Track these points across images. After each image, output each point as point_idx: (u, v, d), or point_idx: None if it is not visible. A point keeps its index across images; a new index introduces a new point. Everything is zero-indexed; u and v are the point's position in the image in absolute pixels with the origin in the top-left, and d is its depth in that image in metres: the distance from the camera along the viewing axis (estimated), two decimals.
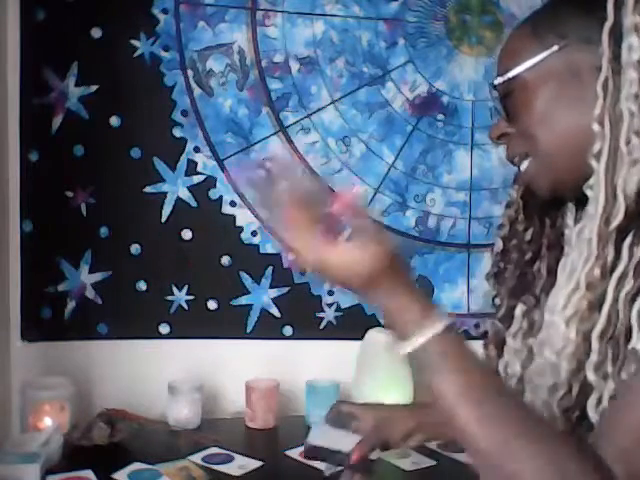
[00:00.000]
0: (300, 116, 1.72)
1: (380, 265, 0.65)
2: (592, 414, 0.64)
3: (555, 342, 0.69)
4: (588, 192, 0.69)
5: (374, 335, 1.68)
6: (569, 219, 0.80)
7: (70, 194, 1.64)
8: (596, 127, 0.67)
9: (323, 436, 0.98)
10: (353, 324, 1.73)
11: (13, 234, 1.61)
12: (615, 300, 0.64)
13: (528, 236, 0.83)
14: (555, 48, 0.71)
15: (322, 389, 1.64)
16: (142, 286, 1.68)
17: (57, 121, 1.62)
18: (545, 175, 0.75)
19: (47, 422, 1.47)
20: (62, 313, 1.65)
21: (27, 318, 1.62)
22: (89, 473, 1.31)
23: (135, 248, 1.67)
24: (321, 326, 1.75)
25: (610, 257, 0.65)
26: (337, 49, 1.72)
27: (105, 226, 1.66)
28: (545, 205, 0.81)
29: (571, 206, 0.80)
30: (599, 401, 0.64)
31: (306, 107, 1.72)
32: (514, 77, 0.74)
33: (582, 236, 0.69)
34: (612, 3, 0.67)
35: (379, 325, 1.76)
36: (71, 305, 1.65)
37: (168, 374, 1.63)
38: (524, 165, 0.77)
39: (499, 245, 0.86)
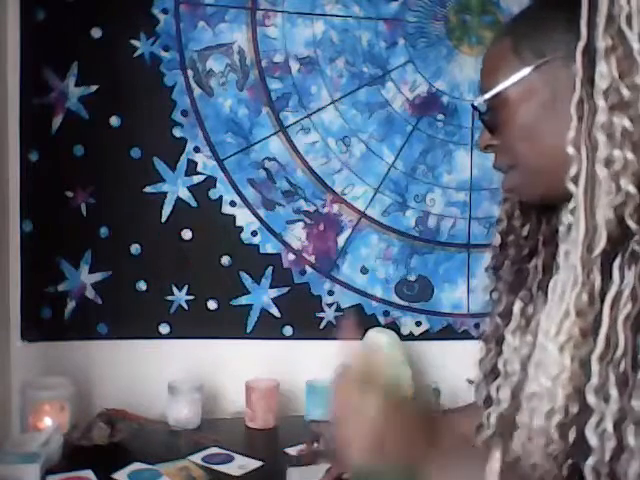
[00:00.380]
0: (300, 116, 1.72)
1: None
2: (590, 436, 0.63)
3: (550, 368, 0.68)
4: (568, 216, 0.69)
5: (374, 335, 1.68)
6: (563, 216, 0.79)
7: (70, 194, 1.64)
8: (571, 150, 0.66)
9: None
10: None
11: (13, 234, 1.61)
12: (613, 323, 0.63)
13: (525, 232, 0.84)
14: (534, 66, 0.71)
15: (322, 389, 1.64)
16: (142, 286, 1.68)
17: (57, 121, 1.62)
18: (529, 187, 0.76)
19: (47, 422, 1.47)
20: (62, 313, 1.65)
21: (27, 318, 1.62)
22: (89, 473, 1.31)
23: (135, 248, 1.67)
24: (321, 326, 1.75)
25: (597, 282, 0.65)
26: (337, 49, 1.72)
27: (105, 226, 1.66)
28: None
29: (566, 203, 0.80)
30: (599, 424, 0.63)
31: (306, 107, 1.72)
32: (498, 92, 0.74)
33: (568, 260, 0.68)
34: (585, 22, 0.65)
35: (379, 325, 1.76)
36: (71, 305, 1.65)
37: (168, 374, 1.63)
38: (509, 176, 0.78)
39: (497, 239, 0.86)
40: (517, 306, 0.82)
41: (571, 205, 0.67)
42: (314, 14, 1.71)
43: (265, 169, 1.72)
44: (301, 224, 1.74)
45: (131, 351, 1.68)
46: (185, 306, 1.70)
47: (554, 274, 0.75)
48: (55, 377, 1.55)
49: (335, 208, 1.75)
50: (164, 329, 1.69)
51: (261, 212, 1.72)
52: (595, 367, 0.64)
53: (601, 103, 0.64)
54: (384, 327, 1.75)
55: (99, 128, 1.63)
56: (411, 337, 1.78)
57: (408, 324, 1.79)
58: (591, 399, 0.64)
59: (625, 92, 0.63)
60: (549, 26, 0.71)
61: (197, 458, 1.41)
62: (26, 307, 1.62)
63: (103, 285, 1.66)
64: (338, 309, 1.76)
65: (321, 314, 1.75)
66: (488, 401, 0.84)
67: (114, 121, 1.64)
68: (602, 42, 0.64)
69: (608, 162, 0.63)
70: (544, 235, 0.82)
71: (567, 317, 0.66)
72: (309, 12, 1.71)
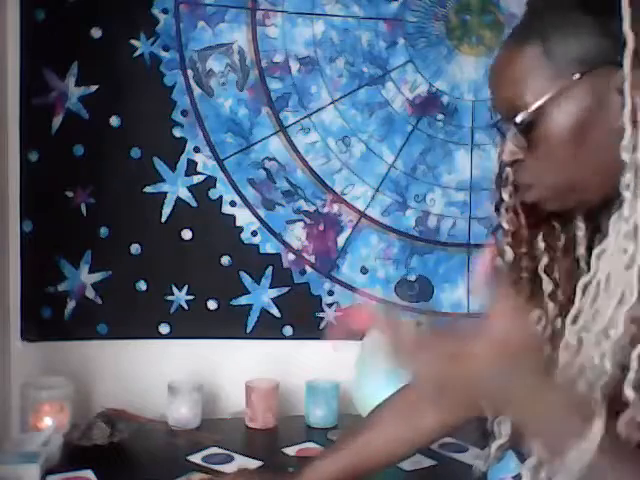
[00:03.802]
0: (300, 116, 1.72)
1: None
2: (621, 430, 0.62)
3: (587, 374, 0.67)
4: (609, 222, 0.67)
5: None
6: (580, 222, 0.77)
7: (70, 194, 1.64)
8: (627, 157, 0.64)
9: None
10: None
11: (13, 234, 1.61)
12: None
13: (540, 242, 0.79)
14: (576, 75, 0.67)
15: (322, 389, 1.64)
16: (142, 286, 1.68)
17: (57, 121, 1.62)
18: (559, 201, 0.73)
19: (47, 422, 1.47)
20: (62, 313, 1.65)
21: (27, 318, 1.62)
22: (89, 473, 1.31)
23: (135, 248, 1.67)
24: (321, 326, 1.75)
25: None
26: (337, 49, 1.72)
27: (105, 226, 1.66)
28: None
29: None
30: (634, 418, 0.62)
31: (306, 107, 1.72)
32: (531, 106, 0.69)
33: (613, 271, 0.66)
34: (628, 24, 0.63)
35: None
36: (71, 305, 1.65)
37: (168, 374, 1.63)
38: (533, 190, 0.74)
39: (509, 254, 0.80)
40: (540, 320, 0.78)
41: (626, 212, 0.65)
42: (314, 14, 1.71)
43: (265, 169, 1.72)
44: (301, 224, 1.74)
45: (131, 351, 1.68)
46: (185, 306, 1.70)
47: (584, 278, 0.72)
48: (55, 377, 1.55)
49: (335, 208, 1.75)
50: (164, 329, 1.69)
51: (261, 212, 1.72)
52: (635, 363, 0.63)
53: None
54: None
55: (99, 128, 1.63)
56: None
57: None
58: (629, 393, 0.63)
59: None
60: (584, 31, 0.67)
61: (197, 458, 1.41)
62: (26, 307, 1.62)
63: (103, 285, 1.66)
64: (338, 309, 1.76)
65: (321, 314, 1.75)
66: None
67: (114, 121, 1.64)
68: None
69: None
70: (563, 243, 0.79)
71: (612, 329, 0.65)
72: (309, 12, 1.71)
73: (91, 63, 1.62)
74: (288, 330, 1.74)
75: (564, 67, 0.68)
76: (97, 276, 1.66)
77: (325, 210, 1.74)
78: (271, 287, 1.73)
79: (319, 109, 1.73)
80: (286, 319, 1.74)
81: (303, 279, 1.74)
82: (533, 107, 0.69)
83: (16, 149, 1.60)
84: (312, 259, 1.74)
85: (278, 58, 1.71)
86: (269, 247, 1.73)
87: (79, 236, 1.65)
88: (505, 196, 0.80)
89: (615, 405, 0.64)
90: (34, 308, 1.63)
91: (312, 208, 1.74)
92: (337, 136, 1.74)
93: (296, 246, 1.74)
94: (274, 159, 1.72)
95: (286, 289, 1.74)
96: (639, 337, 0.64)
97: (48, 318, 1.64)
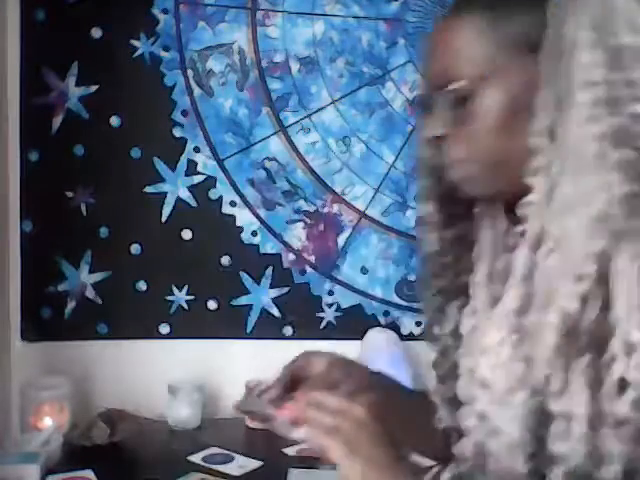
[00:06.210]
0: (300, 116, 1.72)
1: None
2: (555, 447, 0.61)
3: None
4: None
5: (374, 335, 1.68)
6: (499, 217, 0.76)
7: (70, 194, 1.64)
8: (538, 142, 0.63)
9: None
10: (353, 324, 1.73)
11: (13, 234, 1.61)
12: None
13: (465, 234, 0.78)
14: (514, 52, 0.66)
15: None
16: (142, 286, 1.68)
17: (57, 121, 1.62)
18: (488, 180, 0.70)
19: (47, 422, 1.47)
20: (62, 313, 1.65)
21: (27, 318, 1.62)
22: (89, 473, 1.31)
23: (135, 248, 1.67)
24: (321, 326, 1.75)
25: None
26: (337, 49, 1.72)
27: (105, 226, 1.66)
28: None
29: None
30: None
31: (306, 107, 1.72)
32: (469, 80, 0.67)
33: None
34: (552, 9, 0.63)
35: (379, 325, 1.76)
36: (71, 305, 1.65)
37: (168, 374, 1.63)
38: (463, 167, 0.71)
39: (433, 244, 0.78)
40: (466, 323, 0.77)
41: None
42: (314, 14, 1.71)
43: (265, 169, 1.72)
44: (301, 224, 1.74)
45: (131, 351, 1.68)
46: (185, 306, 1.70)
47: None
48: (55, 377, 1.55)
49: (335, 208, 1.75)
50: (164, 329, 1.69)
51: (261, 212, 1.72)
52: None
53: (580, 97, 0.61)
54: (384, 327, 1.75)
55: (99, 128, 1.63)
56: (411, 337, 1.78)
57: (408, 324, 1.79)
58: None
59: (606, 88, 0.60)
60: (530, 10, 0.65)
61: (197, 458, 1.41)
62: (26, 307, 1.62)
63: (103, 285, 1.66)
64: (338, 309, 1.75)
65: (321, 314, 1.75)
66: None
67: (114, 121, 1.64)
68: (584, 32, 0.61)
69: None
70: (492, 238, 0.76)
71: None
72: (309, 12, 1.71)
73: (91, 63, 1.63)
74: (288, 330, 1.74)
75: (506, 43, 0.66)
76: (97, 276, 1.66)
77: (325, 210, 1.74)
78: (271, 287, 1.73)
79: (319, 109, 1.73)
80: (286, 319, 1.74)
81: (303, 279, 1.74)
82: (470, 78, 0.67)
83: (16, 149, 1.60)
84: (312, 259, 1.74)
85: (278, 58, 1.71)
86: (269, 247, 1.73)
87: (79, 236, 1.65)
88: (428, 182, 0.78)
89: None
90: (34, 308, 1.63)
91: (312, 208, 1.74)
92: (337, 136, 1.74)
93: (296, 246, 1.74)
94: (274, 159, 1.72)
95: (286, 289, 1.74)
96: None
97: (48, 318, 1.64)
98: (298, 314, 1.74)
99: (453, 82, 0.68)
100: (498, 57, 0.67)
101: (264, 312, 1.73)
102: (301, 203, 1.73)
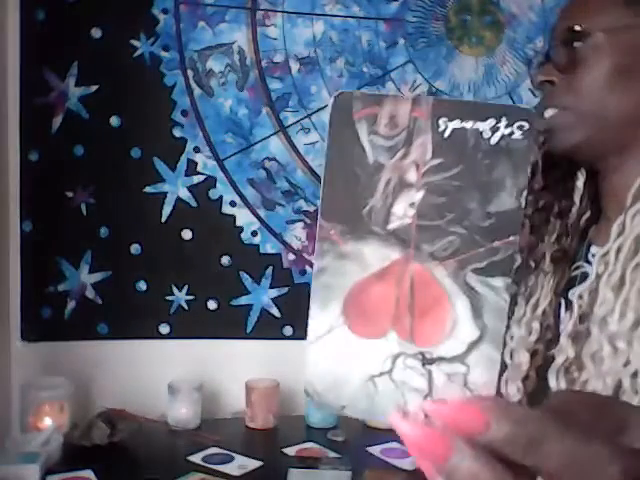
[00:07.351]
0: (300, 116, 1.72)
1: None
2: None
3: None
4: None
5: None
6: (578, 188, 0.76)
7: (70, 194, 1.64)
8: None
9: None
10: None
11: (13, 234, 1.61)
12: None
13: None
14: None
15: None
16: (142, 286, 1.68)
17: (57, 121, 1.62)
18: (577, 133, 0.71)
19: (47, 422, 1.47)
20: (62, 313, 1.65)
21: (27, 318, 1.62)
22: (89, 473, 1.31)
23: (135, 248, 1.67)
24: None
25: None
26: (337, 49, 1.72)
27: (105, 226, 1.66)
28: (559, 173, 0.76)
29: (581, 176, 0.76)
30: None
31: (306, 107, 1.72)
32: (591, 32, 0.69)
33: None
34: None
35: None
36: (71, 305, 1.65)
37: (168, 374, 1.63)
38: (558, 116, 0.72)
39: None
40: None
41: None
42: (314, 14, 1.71)
43: (265, 169, 1.72)
44: (301, 224, 1.74)
45: (131, 351, 1.68)
46: (185, 306, 1.70)
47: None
48: (55, 377, 1.55)
49: None
50: (164, 329, 1.69)
51: (261, 212, 1.72)
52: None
53: None
54: None
55: (99, 128, 1.63)
56: None
57: None
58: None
59: None
60: None
61: (197, 458, 1.41)
62: (26, 307, 1.62)
63: (103, 285, 1.66)
64: None
65: None
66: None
67: (114, 121, 1.64)
68: None
69: None
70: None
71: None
72: (309, 12, 1.71)
73: (91, 63, 1.62)
74: (288, 330, 1.74)
75: (635, 2, 0.68)
76: (97, 276, 1.66)
77: None
78: (271, 287, 1.73)
79: (319, 109, 1.73)
80: (286, 319, 1.74)
81: (303, 279, 1.74)
82: (593, 29, 0.69)
83: (16, 149, 1.60)
84: (312, 259, 1.75)
85: (278, 58, 1.71)
86: (269, 247, 1.73)
87: (79, 236, 1.65)
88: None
89: None
90: (34, 308, 1.63)
91: (312, 208, 1.74)
92: None
93: (296, 246, 1.74)
94: (274, 159, 1.72)
95: (286, 289, 1.74)
96: None
97: (48, 318, 1.64)
98: (298, 314, 1.74)
99: (578, 33, 0.70)
100: (625, 15, 0.69)
101: (264, 312, 1.73)
102: (301, 203, 1.73)
